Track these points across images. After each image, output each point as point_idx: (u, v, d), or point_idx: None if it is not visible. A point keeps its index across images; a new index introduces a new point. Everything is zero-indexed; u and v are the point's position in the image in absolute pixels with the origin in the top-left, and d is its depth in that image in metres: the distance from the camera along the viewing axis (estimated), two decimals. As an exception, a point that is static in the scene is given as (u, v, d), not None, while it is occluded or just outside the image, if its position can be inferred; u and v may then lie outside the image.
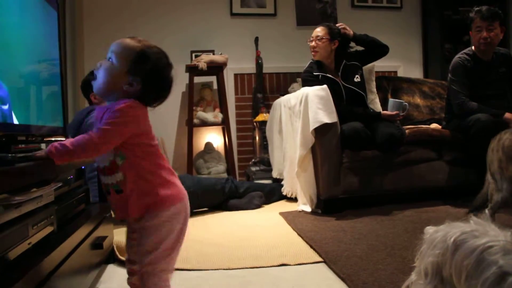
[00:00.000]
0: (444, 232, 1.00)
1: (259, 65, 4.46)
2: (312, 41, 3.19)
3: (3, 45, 1.35)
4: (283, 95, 3.65)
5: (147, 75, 1.21)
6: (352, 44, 3.33)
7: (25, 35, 1.57)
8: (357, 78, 3.17)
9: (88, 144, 1.12)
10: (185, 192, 1.27)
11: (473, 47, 3.14)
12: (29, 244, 1.14)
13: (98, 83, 1.24)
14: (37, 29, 1.70)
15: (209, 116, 4.14)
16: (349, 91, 3.13)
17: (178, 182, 1.27)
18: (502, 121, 2.82)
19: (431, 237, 1.03)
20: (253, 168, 4.17)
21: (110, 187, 1.21)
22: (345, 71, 3.17)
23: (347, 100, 3.11)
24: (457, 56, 3.17)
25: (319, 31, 3.19)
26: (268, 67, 4.56)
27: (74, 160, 1.21)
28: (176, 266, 1.85)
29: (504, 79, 3.11)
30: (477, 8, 3.01)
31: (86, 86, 2.95)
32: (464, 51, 3.17)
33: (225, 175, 4.01)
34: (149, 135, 1.23)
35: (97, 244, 1.71)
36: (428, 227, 1.10)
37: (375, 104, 3.71)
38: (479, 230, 0.94)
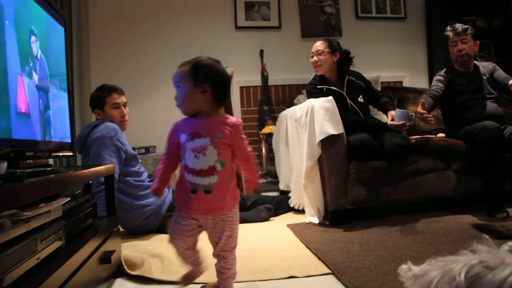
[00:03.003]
0: (441, 270, 0.82)
1: (264, 78, 4.48)
2: (312, 56, 3.21)
3: (16, 60, 1.37)
4: (289, 107, 3.66)
5: (212, 78, 1.50)
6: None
7: (37, 51, 1.60)
8: (360, 99, 3.18)
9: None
10: None
11: (454, 64, 3.33)
12: (37, 259, 1.14)
13: (183, 107, 1.53)
14: (47, 46, 1.73)
15: (216, 129, 4.15)
16: (353, 107, 3.13)
17: None
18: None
19: (423, 281, 0.86)
20: (260, 181, 4.16)
21: (199, 187, 1.48)
22: (349, 87, 3.18)
23: (352, 113, 3.12)
24: None
25: (318, 45, 3.21)
26: (273, 80, 4.58)
27: None
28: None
29: (491, 85, 3.24)
30: (451, 27, 3.26)
31: (92, 101, 2.97)
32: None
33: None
34: None
35: (105, 258, 1.71)
36: (403, 266, 0.97)
37: (381, 115, 3.71)
38: (490, 260, 0.78)
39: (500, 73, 3.29)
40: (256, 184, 1.61)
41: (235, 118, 1.56)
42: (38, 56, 1.65)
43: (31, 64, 1.55)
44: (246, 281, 1.86)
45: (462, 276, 0.77)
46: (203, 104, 1.50)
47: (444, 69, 3.36)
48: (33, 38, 1.60)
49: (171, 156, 1.58)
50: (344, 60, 3.25)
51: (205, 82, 1.48)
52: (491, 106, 3.14)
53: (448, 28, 3.28)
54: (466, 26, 3.24)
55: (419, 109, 2.94)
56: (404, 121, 2.98)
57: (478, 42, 3.26)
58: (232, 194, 1.56)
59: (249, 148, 1.58)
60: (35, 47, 1.63)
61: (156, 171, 1.60)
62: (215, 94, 1.51)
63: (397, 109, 3.15)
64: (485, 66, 3.34)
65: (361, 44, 4.70)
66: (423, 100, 2.98)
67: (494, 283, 0.73)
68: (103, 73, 4.23)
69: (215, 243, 1.58)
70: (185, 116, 1.57)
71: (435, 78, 3.34)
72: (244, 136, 1.55)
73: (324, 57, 3.16)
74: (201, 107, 1.51)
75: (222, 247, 1.56)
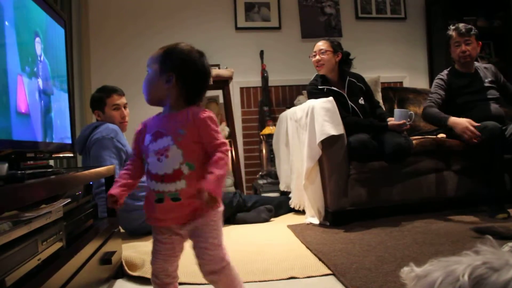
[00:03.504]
0: (444, 271, 0.81)
1: (264, 78, 4.48)
2: (315, 55, 3.21)
3: (17, 60, 1.37)
4: (289, 107, 3.66)
5: (179, 67, 1.31)
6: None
7: (37, 52, 1.60)
8: (361, 101, 3.18)
9: (225, 162, 1.26)
10: None
11: (455, 65, 3.33)
12: (38, 260, 1.14)
13: (145, 94, 1.36)
14: (47, 47, 1.73)
15: (216, 130, 4.14)
16: (353, 108, 3.13)
17: None
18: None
19: (425, 282, 0.84)
20: (261, 181, 4.16)
21: (165, 195, 1.26)
22: (350, 88, 3.18)
23: (352, 114, 3.12)
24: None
25: (321, 44, 3.21)
26: (273, 80, 4.58)
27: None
28: (184, 280, 1.85)
29: (492, 87, 3.24)
30: (454, 26, 3.24)
31: (93, 102, 2.97)
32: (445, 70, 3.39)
33: (232, 189, 4.00)
34: None
35: (106, 259, 1.71)
36: (405, 268, 0.93)
37: (382, 115, 3.71)
38: (494, 261, 0.76)
39: (505, 81, 3.32)
40: (209, 186, 1.19)
41: (203, 109, 1.31)
42: (41, 57, 1.65)
43: (33, 65, 1.55)
44: (246, 282, 1.85)
45: (466, 277, 0.76)
46: (164, 94, 1.32)
47: (446, 71, 3.35)
48: (37, 39, 1.61)
49: (137, 158, 1.37)
50: (344, 61, 3.25)
51: (170, 70, 1.30)
52: (492, 107, 3.14)
53: (451, 27, 3.26)
54: (470, 26, 3.22)
55: (471, 127, 2.87)
56: (404, 121, 2.98)
57: (480, 43, 3.26)
58: None
59: (223, 148, 1.27)
60: (39, 48, 1.63)
61: (118, 176, 1.37)
62: (180, 87, 1.31)
63: (396, 109, 3.15)
64: (485, 67, 3.34)
65: (361, 45, 4.70)
66: (471, 121, 2.91)
67: (498, 284, 0.72)
68: (103, 73, 4.23)
69: (199, 259, 1.31)
70: (157, 113, 1.40)
71: (436, 82, 3.32)
72: (215, 129, 1.29)
73: (327, 56, 3.16)
74: (163, 97, 1.33)
75: (206, 263, 1.30)
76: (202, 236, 1.29)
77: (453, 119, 2.98)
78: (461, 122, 2.93)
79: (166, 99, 1.33)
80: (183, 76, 1.31)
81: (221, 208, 1.35)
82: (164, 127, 1.30)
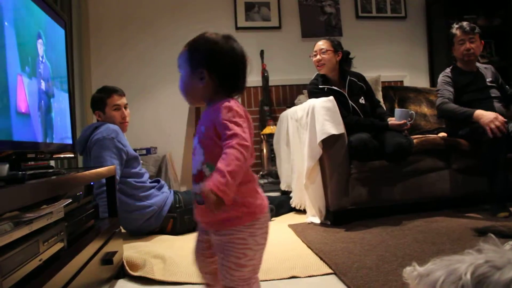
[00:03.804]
0: (446, 270, 0.80)
1: (265, 78, 4.48)
2: (316, 55, 3.21)
3: (17, 61, 1.37)
4: (289, 107, 3.66)
5: (207, 60, 1.19)
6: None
7: (40, 53, 1.60)
8: (362, 100, 3.18)
9: (235, 157, 1.04)
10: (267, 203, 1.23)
11: (457, 63, 3.33)
12: (40, 260, 1.14)
13: (184, 97, 1.24)
14: (48, 47, 1.73)
15: (216, 129, 4.14)
16: (354, 107, 3.13)
17: (261, 191, 1.24)
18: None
19: (428, 281, 0.84)
20: (261, 181, 4.16)
21: (195, 196, 1.17)
22: (351, 88, 3.18)
23: (353, 114, 3.12)
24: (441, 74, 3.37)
25: (321, 44, 3.21)
26: (274, 80, 4.58)
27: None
28: (183, 280, 1.85)
29: (494, 86, 3.24)
30: (458, 25, 3.24)
31: (93, 103, 2.97)
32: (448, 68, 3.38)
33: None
34: None
35: (107, 259, 1.71)
36: (407, 268, 0.93)
37: (382, 114, 3.70)
38: (497, 260, 0.76)
39: (503, 82, 3.32)
40: (214, 185, 0.99)
41: (227, 100, 1.16)
42: (43, 58, 1.65)
43: (33, 65, 1.55)
44: (248, 282, 1.86)
45: (468, 275, 0.75)
46: (202, 93, 1.20)
47: (449, 69, 3.33)
48: (39, 40, 1.61)
49: None
50: (345, 60, 3.25)
51: (200, 66, 1.18)
52: (496, 105, 3.13)
53: (455, 25, 3.25)
54: (473, 25, 3.23)
55: (498, 120, 2.78)
56: (405, 120, 2.98)
57: (482, 42, 3.26)
58: (238, 207, 1.14)
59: (233, 141, 1.06)
60: (41, 49, 1.63)
61: None
62: (214, 80, 1.18)
63: (396, 109, 3.14)
64: (485, 67, 3.35)
65: (361, 44, 4.70)
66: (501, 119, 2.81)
67: (501, 283, 0.72)
68: (103, 74, 4.24)
69: (220, 276, 1.15)
70: None
71: (443, 79, 3.27)
72: (229, 118, 1.10)
73: (327, 56, 3.16)
74: (202, 96, 1.21)
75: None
76: (226, 252, 1.13)
77: (480, 111, 2.90)
78: (489, 113, 2.86)
79: (206, 96, 1.21)
80: (214, 69, 1.18)
81: (264, 220, 1.20)
82: (198, 125, 1.22)
